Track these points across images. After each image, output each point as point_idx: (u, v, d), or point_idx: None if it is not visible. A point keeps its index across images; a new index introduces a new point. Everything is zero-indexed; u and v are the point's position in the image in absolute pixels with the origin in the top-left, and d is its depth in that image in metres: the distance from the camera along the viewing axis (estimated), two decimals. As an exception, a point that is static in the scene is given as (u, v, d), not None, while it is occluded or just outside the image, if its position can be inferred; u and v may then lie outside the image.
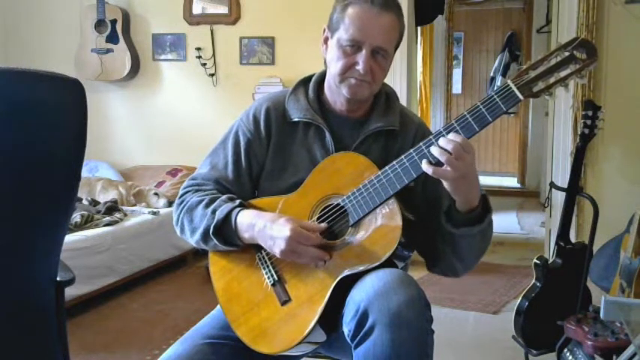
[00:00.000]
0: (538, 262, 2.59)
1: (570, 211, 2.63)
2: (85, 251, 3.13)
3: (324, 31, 1.44)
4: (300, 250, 1.28)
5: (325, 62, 1.45)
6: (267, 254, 1.37)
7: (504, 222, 5.54)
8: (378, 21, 1.35)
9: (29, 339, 1.38)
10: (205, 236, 1.39)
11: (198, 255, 4.02)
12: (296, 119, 1.46)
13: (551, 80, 1.22)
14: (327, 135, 1.43)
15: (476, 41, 8.49)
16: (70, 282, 1.45)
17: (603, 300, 1.52)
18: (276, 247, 1.30)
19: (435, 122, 6.54)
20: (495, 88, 1.36)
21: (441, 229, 1.34)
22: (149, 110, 4.61)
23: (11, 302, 1.33)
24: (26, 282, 1.35)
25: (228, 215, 1.36)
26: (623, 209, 2.58)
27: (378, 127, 1.43)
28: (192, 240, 1.43)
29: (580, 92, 3.29)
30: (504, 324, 2.83)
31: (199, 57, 4.37)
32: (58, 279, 1.42)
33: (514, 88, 1.22)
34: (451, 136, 1.22)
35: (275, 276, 1.35)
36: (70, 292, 2.64)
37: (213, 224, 1.36)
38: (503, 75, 7.58)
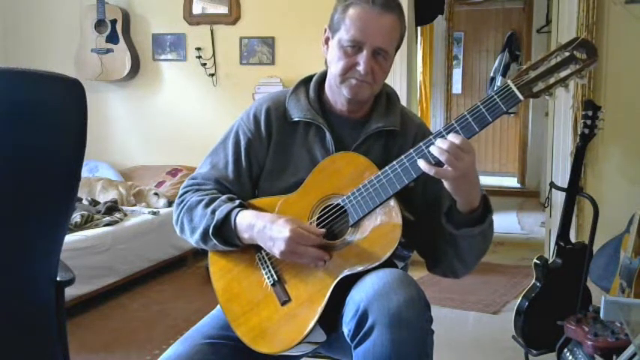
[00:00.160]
0: (538, 262, 2.59)
1: (570, 211, 2.63)
2: (85, 251, 3.13)
3: (325, 31, 1.44)
4: (300, 251, 1.28)
5: (326, 62, 1.45)
6: (267, 254, 1.37)
7: (504, 222, 5.54)
8: (379, 22, 1.35)
9: (29, 339, 1.38)
10: (205, 236, 1.39)
11: (198, 255, 4.02)
12: (296, 119, 1.46)
13: (552, 80, 1.22)
14: (328, 135, 1.43)
15: (476, 41, 8.49)
16: (70, 282, 1.45)
17: (603, 300, 1.52)
18: (276, 248, 1.30)
19: (435, 122, 6.54)
20: (495, 88, 1.36)
21: (442, 229, 1.33)
22: (149, 110, 4.61)
23: (11, 302, 1.33)
24: (26, 282, 1.35)
25: (227, 215, 1.36)
26: (623, 209, 2.58)
27: (379, 127, 1.43)
28: (192, 240, 1.43)
29: (580, 92, 3.29)
30: (504, 324, 2.83)
31: (199, 57, 4.37)
32: (58, 279, 1.42)
33: (514, 89, 1.22)
34: (451, 136, 1.22)
35: (275, 276, 1.35)
36: (70, 292, 2.64)
37: (212, 224, 1.36)
38: (503, 75, 7.58)
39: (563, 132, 3.45)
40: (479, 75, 8.52)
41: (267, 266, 1.37)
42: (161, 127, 4.58)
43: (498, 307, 3.30)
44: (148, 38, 4.53)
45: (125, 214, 3.67)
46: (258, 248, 1.37)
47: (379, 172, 1.30)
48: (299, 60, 4.17)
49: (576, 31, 3.28)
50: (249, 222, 1.34)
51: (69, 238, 2.93)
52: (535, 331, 2.53)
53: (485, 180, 7.72)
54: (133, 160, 4.63)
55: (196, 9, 4.40)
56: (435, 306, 3.30)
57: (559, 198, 3.16)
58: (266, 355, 1.33)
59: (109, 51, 4.41)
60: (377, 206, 1.29)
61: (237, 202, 1.40)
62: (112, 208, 3.64)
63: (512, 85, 1.22)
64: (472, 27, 8.40)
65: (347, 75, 1.38)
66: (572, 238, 2.81)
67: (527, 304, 2.54)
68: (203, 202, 1.41)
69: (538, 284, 2.57)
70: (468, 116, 1.24)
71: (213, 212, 1.37)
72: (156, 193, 4.00)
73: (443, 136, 1.23)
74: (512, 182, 7.71)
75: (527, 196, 6.96)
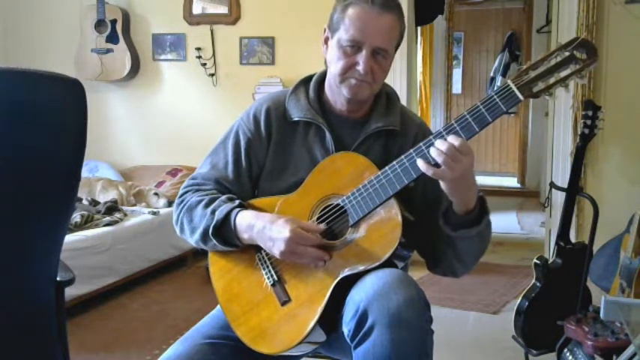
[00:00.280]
0: (538, 262, 2.59)
1: (570, 211, 2.63)
2: (85, 251, 3.13)
3: (325, 31, 1.44)
4: (300, 251, 1.28)
5: (325, 62, 1.45)
6: (267, 254, 1.37)
7: (504, 222, 5.54)
8: (379, 21, 1.35)
9: (29, 339, 1.38)
10: (205, 236, 1.39)
11: (198, 255, 4.02)
12: (296, 119, 1.45)
13: (552, 80, 1.22)
14: (328, 135, 1.43)
15: (476, 41, 8.49)
16: (70, 282, 1.45)
17: (603, 300, 1.52)
18: (276, 249, 1.30)
19: (435, 122, 6.54)
20: (495, 88, 1.36)
21: (440, 231, 1.34)
22: (149, 110, 4.61)
23: (11, 302, 1.33)
24: (26, 282, 1.35)
25: (227, 216, 1.36)
26: (623, 209, 2.58)
27: (379, 127, 1.43)
28: (192, 240, 1.43)
29: (580, 92, 3.29)
30: (504, 324, 2.83)
31: (199, 57, 4.37)
32: (58, 279, 1.42)
33: (514, 89, 1.22)
34: (450, 137, 1.22)
35: (275, 276, 1.35)
36: (70, 292, 2.63)
37: (212, 224, 1.36)
38: (503, 75, 7.58)
39: (563, 132, 3.45)
40: (479, 75, 8.52)
41: (267, 266, 1.37)
42: (161, 127, 4.58)
43: (498, 307, 3.30)
44: (148, 38, 4.53)
45: (125, 214, 3.67)
46: (258, 248, 1.37)
47: (379, 173, 1.30)
48: (299, 60, 4.17)
49: (576, 31, 3.28)
50: (248, 222, 1.34)
51: (69, 238, 2.93)
52: (535, 331, 2.52)
53: (485, 180, 7.73)
54: (133, 160, 4.63)
55: (196, 9, 4.40)
56: (435, 306, 3.29)
57: (559, 198, 3.16)
58: (266, 355, 1.33)
59: (109, 51, 4.41)
60: (377, 206, 1.29)
61: (237, 202, 1.40)
62: (112, 208, 3.64)
63: (512, 85, 1.22)
64: (472, 27, 8.39)
65: (346, 75, 1.38)
66: (572, 238, 2.81)
67: (527, 304, 2.54)
68: (203, 203, 1.41)
69: (538, 284, 2.57)
70: (467, 116, 1.23)
71: (213, 212, 1.37)
72: (156, 193, 4.00)
73: (443, 137, 1.23)
74: (512, 182, 7.71)
75: (527, 196, 6.96)
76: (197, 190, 1.46)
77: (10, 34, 4.75)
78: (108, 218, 3.46)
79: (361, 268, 1.26)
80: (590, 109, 2.56)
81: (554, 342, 2.31)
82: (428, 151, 1.23)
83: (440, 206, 1.34)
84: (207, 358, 1.32)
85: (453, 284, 3.57)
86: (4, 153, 1.22)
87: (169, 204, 3.86)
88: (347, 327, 1.22)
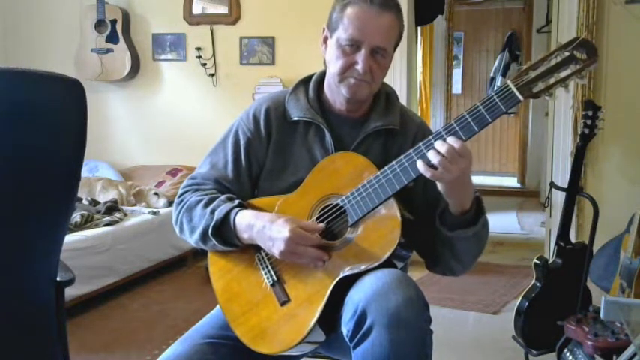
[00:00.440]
0: (538, 262, 2.59)
1: (570, 211, 2.63)
2: (85, 251, 3.13)
3: (324, 30, 1.44)
4: (300, 251, 1.29)
5: (325, 62, 1.45)
6: (267, 254, 1.37)
7: (504, 222, 5.53)
8: (378, 21, 1.35)
9: (29, 339, 1.38)
10: (204, 236, 1.39)
11: (198, 255, 4.02)
12: (296, 118, 1.45)
13: (551, 80, 1.22)
14: (327, 134, 1.43)
15: (476, 41, 8.49)
16: (70, 282, 1.45)
17: (603, 300, 1.52)
18: (275, 248, 1.30)
19: (435, 122, 6.54)
20: (495, 88, 1.36)
21: (437, 231, 1.34)
22: (149, 110, 4.61)
23: (11, 302, 1.33)
24: (26, 282, 1.35)
25: (226, 215, 1.36)
26: (623, 209, 2.58)
27: (378, 126, 1.43)
28: (191, 239, 1.43)
29: (580, 92, 3.29)
30: (504, 324, 2.83)
31: (199, 57, 4.37)
32: (58, 279, 1.42)
33: (514, 89, 1.22)
34: (449, 139, 1.22)
35: (274, 276, 1.35)
36: (70, 292, 2.63)
37: (211, 224, 1.36)
38: (503, 75, 7.58)
39: (563, 132, 3.45)
40: (479, 75, 8.52)
41: (267, 266, 1.37)
42: (161, 127, 4.58)
43: (498, 307, 3.30)
44: (148, 38, 4.53)
45: (125, 214, 3.67)
46: (257, 248, 1.37)
47: (378, 173, 1.30)
48: (299, 60, 4.17)
49: (576, 31, 3.28)
50: (248, 222, 1.34)
51: (69, 238, 2.93)
52: (535, 331, 2.52)
53: (485, 180, 7.73)
54: (133, 160, 4.63)
55: (196, 9, 4.40)
56: (435, 306, 3.30)
57: (559, 198, 3.16)
58: (265, 355, 1.33)
59: (109, 51, 4.41)
60: (376, 206, 1.29)
61: (237, 202, 1.40)
62: (112, 208, 3.64)
63: (511, 86, 1.22)
64: (472, 27, 8.40)
65: (346, 74, 1.38)
66: (572, 238, 2.81)
67: (527, 304, 2.54)
68: (202, 202, 1.41)
69: (538, 284, 2.57)
70: (467, 116, 1.23)
71: (213, 212, 1.37)
72: (156, 193, 4.00)
73: (442, 138, 1.23)
74: (512, 182, 7.71)
75: (527, 196, 6.96)
76: (196, 190, 1.46)
77: (10, 34, 4.74)
78: (108, 218, 3.46)
79: (360, 268, 1.26)
80: (590, 109, 2.56)
81: (554, 342, 2.31)
82: (427, 153, 1.23)
83: (439, 206, 1.34)
84: (207, 358, 1.32)
85: (453, 284, 3.57)
86: (4, 153, 1.22)
87: (169, 204, 3.86)
88: (346, 327, 1.22)
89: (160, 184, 4.28)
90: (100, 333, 2.92)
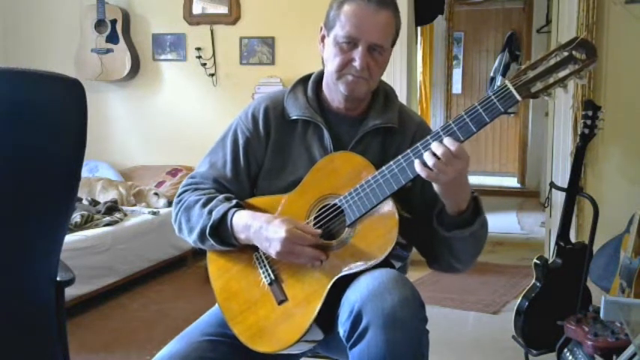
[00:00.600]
0: (538, 262, 2.59)
1: (570, 211, 2.63)
2: (85, 251, 3.13)
3: (321, 29, 1.44)
4: (297, 251, 1.29)
5: (323, 61, 1.45)
6: (264, 254, 1.37)
7: (504, 222, 5.53)
8: (374, 18, 1.35)
9: (29, 339, 1.38)
10: (202, 236, 1.39)
11: (198, 255, 4.02)
12: (295, 117, 1.46)
13: (550, 81, 1.21)
14: (326, 133, 1.43)
15: (476, 41, 8.49)
16: (70, 282, 1.45)
17: (603, 300, 1.52)
18: (272, 249, 1.30)
19: (435, 122, 6.54)
20: (494, 88, 1.36)
21: (434, 231, 1.34)
22: (149, 110, 4.61)
23: (11, 302, 1.33)
24: (26, 282, 1.35)
25: (224, 216, 1.36)
26: (623, 209, 2.58)
27: (376, 124, 1.43)
28: (190, 239, 1.44)
29: (580, 92, 3.29)
30: (504, 324, 2.83)
31: (199, 57, 4.37)
32: (58, 279, 1.42)
33: (512, 89, 1.21)
34: (446, 140, 1.22)
35: (272, 275, 1.35)
36: (70, 292, 2.63)
37: (209, 224, 1.36)
38: (503, 75, 7.58)
39: (563, 132, 3.45)
40: (479, 75, 8.52)
41: (265, 265, 1.37)
42: (161, 127, 4.58)
43: (498, 307, 3.30)
44: (148, 38, 4.53)
45: (125, 214, 3.67)
46: (255, 248, 1.37)
47: (376, 173, 1.30)
48: (299, 60, 4.17)
49: (576, 31, 3.28)
50: (245, 222, 1.34)
51: (69, 238, 2.93)
52: (535, 331, 2.52)
53: (485, 180, 7.73)
54: (133, 160, 4.63)
55: (196, 9, 4.40)
56: (435, 306, 3.30)
57: (559, 198, 3.16)
58: (264, 353, 1.33)
59: (109, 51, 4.41)
60: (374, 206, 1.29)
61: (234, 202, 1.40)
62: (112, 208, 3.64)
63: (509, 86, 1.21)
64: (472, 27, 8.40)
65: (343, 71, 1.38)
66: (572, 238, 2.81)
67: (527, 304, 2.54)
68: (200, 202, 1.41)
69: (538, 284, 2.57)
70: (465, 117, 1.23)
71: (210, 212, 1.37)
72: (156, 193, 4.00)
73: (440, 139, 1.23)
74: (512, 182, 7.71)
75: (527, 196, 6.96)
76: (195, 190, 1.46)
77: (10, 34, 4.75)
78: (108, 218, 3.46)
79: (358, 268, 1.26)
80: (590, 109, 2.56)
81: (554, 342, 2.31)
82: (423, 153, 1.24)
83: (436, 206, 1.34)
84: (206, 356, 1.32)
85: (452, 284, 3.57)
86: (4, 153, 1.22)
87: (169, 204, 3.86)
88: (342, 327, 1.22)
89: (160, 184, 4.28)
90: (100, 333, 2.92)
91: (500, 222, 5.36)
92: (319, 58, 1.49)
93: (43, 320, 1.40)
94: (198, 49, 4.37)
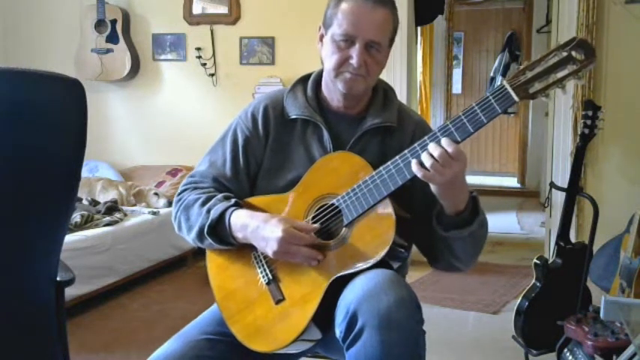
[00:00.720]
0: (538, 262, 2.59)
1: (570, 211, 2.63)
2: (85, 251, 3.13)
3: (320, 28, 1.45)
4: (293, 251, 1.29)
5: (322, 60, 1.45)
6: (263, 253, 1.37)
7: (504, 222, 5.53)
8: (372, 15, 1.35)
9: (29, 339, 1.38)
10: (200, 235, 1.39)
11: (198, 255, 4.02)
12: (294, 117, 1.46)
13: (548, 81, 1.20)
14: (325, 132, 1.43)
15: (476, 41, 8.49)
16: (70, 282, 1.45)
17: (603, 300, 1.52)
18: (269, 248, 1.31)
19: (435, 122, 6.54)
20: (491, 88, 1.35)
21: (433, 231, 1.34)
22: (149, 110, 4.61)
23: (11, 302, 1.33)
24: (26, 282, 1.35)
25: (222, 215, 1.36)
26: (623, 209, 2.58)
27: (375, 123, 1.43)
28: (189, 238, 1.44)
29: (580, 92, 3.29)
30: (504, 324, 2.83)
31: (199, 57, 4.37)
32: (58, 279, 1.42)
33: (509, 89, 1.21)
34: (444, 141, 1.22)
35: (269, 275, 1.36)
36: (70, 292, 2.64)
37: (207, 223, 1.37)
38: (503, 75, 7.58)
39: (563, 132, 3.45)
40: (479, 75, 8.52)
41: (263, 265, 1.37)
42: (161, 127, 4.58)
43: (498, 307, 3.30)
44: (148, 38, 4.53)
45: (125, 214, 3.67)
46: (254, 247, 1.37)
47: (373, 173, 1.30)
48: (299, 60, 4.17)
49: (576, 31, 3.28)
50: (242, 222, 1.35)
51: (69, 238, 2.93)
52: (535, 331, 2.53)
53: (485, 180, 7.73)
54: (133, 160, 4.63)
55: (196, 9, 4.40)
56: (435, 306, 3.29)
57: (559, 198, 3.16)
58: (262, 352, 1.34)
59: (109, 51, 4.41)
60: (371, 207, 1.29)
61: (233, 201, 1.40)
62: (112, 208, 3.64)
63: (507, 86, 1.21)
64: (472, 27, 8.40)
65: (341, 69, 1.38)
66: (572, 238, 2.81)
67: (527, 304, 2.54)
68: (199, 201, 1.41)
69: (538, 284, 2.57)
70: (462, 117, 1.23)
71: (209, 211, 1.38)
72: (156, 193, 4.01)
73: (437, 139, 1.23)
74: (512, 182, 7.71)
75: (527, 196, 6.96)
76: (195, 188, 1.47)
77: (10, 34, 4.75)
78: (108, 218, 3.46)
79: (355, 268, 1.26)
80: (590, 109, 2.56)
81: (554, 342, 2.31)
82: (421, 154, 1.24)
83: (436, 206, 1.34)
84: (203, 354, 1.33)
85: (452, 284, 3.57)
86: (4, 153, 1.23)
87: (169, 204, 3.86)
88: (339, 328, 1.22)
89: (160, 184, 4.28)
90: (100, 333, 2.92)
91: (500, 222, 5.36)
92: (319, 58, 1.49)
93: (43, 320, 1.40)
94: (198, 49, 4.38)
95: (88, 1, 4.44)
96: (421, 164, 1.23)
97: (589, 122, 2.56)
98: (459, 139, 1.23)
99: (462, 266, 1.41)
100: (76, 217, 3.30)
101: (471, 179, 7.35)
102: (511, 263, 4.22)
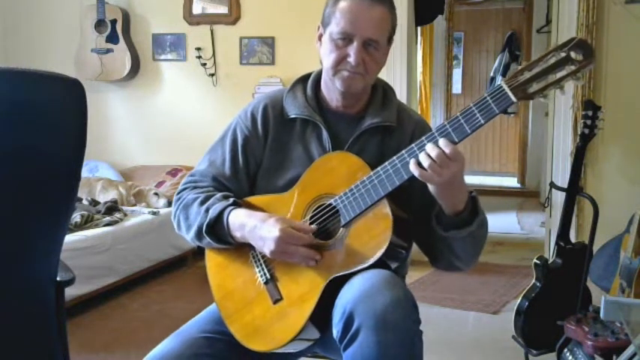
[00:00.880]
0: (538, 262, 2.59)
1: (570, 211, 2.63)
2: (85, 251, 3.13)
3: (318, 28, 1.45)
4: (291, 250, 1.29)
5: (321, 59, 1.46)
6: (260, 252, 1.37)
7: (504, 222, 5.53)
8: (370, 13, 1.35)
9: (29, 339, 1.38)
10: (199, 234, 1.40)
11: (198, 255, 4.02)
12: (293, 116, 1.46)
13: (547, 82, 1.19)
14: (324, 132, 1.43)
15: (476, 41, 8.49)
16: (70, 282, 1.45)
17: (603, 300, 1.52)
18: (266, 248, 1.31)
19: (435, 122, 6.54)
20: (489, 89, 1.35)
21: (433, 231, 1.34)
22: (149, 110, 4.61)
23: (11, 302, 1.33)
24: (26, 282, 1.35)
25: (220, 214, 1.37)
26: (623, 209, 2.58)
27: (374, 123, 1.43)
28: (188, 237, 1.45)
29: (580, 92, 3.29)
30: (504, 324, 2.83)
31: (199, 57, 4.37)
32: (58, 279, 1.42)
33: (507, 90, 1.20)
34: (441, 142, 1.22)
35: (267, 274, 1.36)
36: (70, 292, 2.63)
37: (205, 222, 1.37)
38: (503, 75, 7.57)
39: (563, 132, 3.45)
40: (479, 75, 8.52)
41: (261, 264, 1.37)
42: (161, 127, 4.58)
43: (498, 307, 3.30)
44: (148, 38, 4.53)
45: (125, 214, 3.67)
46: (252, 246, 1.37)
47: (371, 173, 1.30)
48: (299, 60, 4.17)
49: (576, 31, 3.28)
50: (240, 221, 1.35)
51: (69, 238, 2.93)
52: (535, 331, 2.53)
53: (485, 180, 7.73)
54: (133, 160, 4.63)
55: (196, 9, 4.40)
56: (435, 306, 3.29)
57: (559, 198, 3.16)
58: (260, 352, 1.34)
59: (109, 51, 4.41)
60: (368, 207, 1.29)
61: (231, 200, 1.40)
62: (112, 208, 3.64)
63: (505, 87, 1.20)
64: (472, 27, 8.40)
65: (339, 67, 1.38)
66: (572, 238, 2.81)
67: (527, 304, 2.54)
68: (198, 200, 1.42)
69: (538, 284, 2.57)
70: (460, 118, 1.23)
71: (207, 210, 1.38)
72: (156, 193, 4.01)
73: (435, 140, 1.23)
74: (512, 182, 7.71)
75: (527, 196, 6.95)
76: (194, 188, 1.47)
77: (10, 34, 4.75)
78: (108, 218, 3.46)
79: (352, 268, 1.26)
80: (590, 109, 2.56)
81: (554, 342, 2.31)
82: (418, 154, 1.24)
83: (435, 206, 1.34)
84: (202, 352, 1.33)
85: (452, 284, 3.57)
86: (4, 153, 1.23)
87: (169, 204, 3.86)
88: (335, 329, 1.21)
89: (159, 184, 4.28)
90: (100, 333, 2.92)
91: (500, 222, 5.36)
92: (319, 57, 1.49)
93: (43, 320, 1.40)
94: (198, 49, 4.38)
95: (88, 1, 4.44)
96: (419, 165, 1.23)
97: (589, 122, 2.56)
98: (457, 140, 1.23)
99: (462, 266, 1.41)
100: (76, 217, 3.30)
101: (471, 179, 7.35)
102: (511, 263, 4.22)
